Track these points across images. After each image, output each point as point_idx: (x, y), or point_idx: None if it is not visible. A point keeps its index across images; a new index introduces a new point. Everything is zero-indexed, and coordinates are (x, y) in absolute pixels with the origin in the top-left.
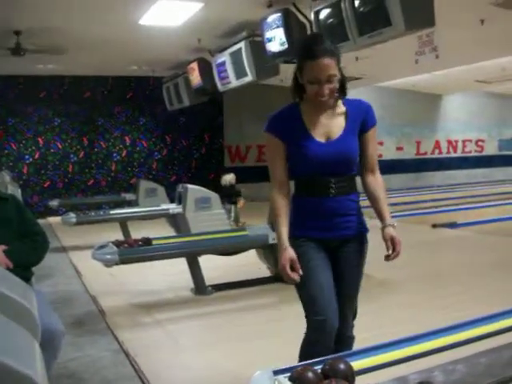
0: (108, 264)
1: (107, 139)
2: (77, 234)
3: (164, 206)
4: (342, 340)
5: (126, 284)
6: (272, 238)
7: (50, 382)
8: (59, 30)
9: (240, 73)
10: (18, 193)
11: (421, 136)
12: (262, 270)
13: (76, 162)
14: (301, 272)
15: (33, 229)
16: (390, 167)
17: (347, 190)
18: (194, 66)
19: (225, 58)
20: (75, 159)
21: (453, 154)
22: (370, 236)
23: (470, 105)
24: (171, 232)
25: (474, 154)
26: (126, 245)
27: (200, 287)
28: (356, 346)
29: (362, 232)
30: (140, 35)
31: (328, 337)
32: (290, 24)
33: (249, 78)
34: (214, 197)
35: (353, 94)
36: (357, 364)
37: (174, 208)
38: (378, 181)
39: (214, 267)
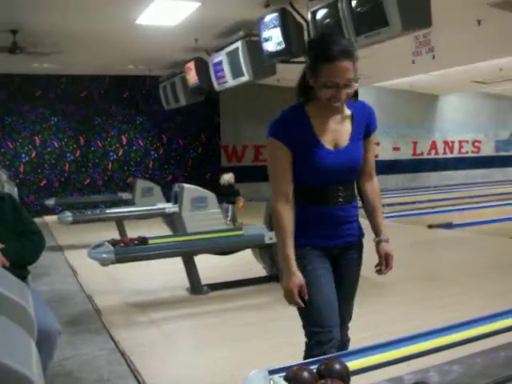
0: (104, 263)
1: (104, 138)
2: (73, 233)
3: (160, 206)
4: (339, 344)
5: (121, 283)
6: (269, 238)
7: (46, 381)
8: (56, 28)
9: (237, 72)
10: (15, 191)
11: (417, 136)
12: (258, 270)
13: (72, 161)
14: (307, 297)
15: (29, 228)
16: (386, 167)
17: (352, 198)
18: (191, 65)
19: (221, 57)
20: (72, 158)
21: (449, 155)
22: (365, 237)
23: (466, 105)
24: (167, 231)
25: (470, 154)
26: (122, 244)
27: (196, 287)
28: (352, 346)
29: (360, 238)
30: (137, 34)
31: (333, 349)
32: (287, 24)
33: (245, 78)
34: (211, 196)
35: None
36: (352, 364)
37: (170, 207)
38: (375, 187)
39: (210, 267)
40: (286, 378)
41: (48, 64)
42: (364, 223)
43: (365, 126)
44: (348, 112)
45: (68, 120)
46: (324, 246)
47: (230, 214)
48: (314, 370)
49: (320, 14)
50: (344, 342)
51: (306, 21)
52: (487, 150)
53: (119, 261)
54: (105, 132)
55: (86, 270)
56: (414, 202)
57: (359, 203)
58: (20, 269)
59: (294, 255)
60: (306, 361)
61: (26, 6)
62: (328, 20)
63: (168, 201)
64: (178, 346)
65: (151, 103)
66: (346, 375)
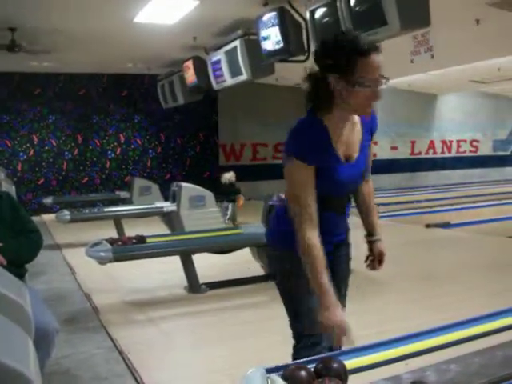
0: (102, 261)
1: (102, 137)
2: (71, 232)
3: (158, 204)
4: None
5: (119, 282)
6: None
7: (44, 379)
8: (54, 27)
9: (235, 71)
10: (13, 190)
11: (415, 136)
12: (256, 269)
13: (70, 159)
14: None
15: (27, 226)
16: (384, 167)
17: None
18: (189, 64)
19: (220, 56)
20: (70, 157)
21: (447, 154)
22: (358, 234)
23: (464, 105)
24: (165, 230)
25: (468, 154)
26: (119, 242)
27: (194, 285)
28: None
29: (348, 234)
30: (135, 33)
31: (325, 350)
32: (286, 23)
33: (244, 77)
34: (209, 195)
35: None
36: (350, 363)
37: (168, 206)
38: (370, 188)
39: (208, 265)
40: (283, 377)
41: (46, 62)
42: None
43: (370, 129)
44: (356, 118)
45: (66, 118)
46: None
47: (229, 213)
48: (312, 369)
49: (318, 12)
50: None
51: (304, 20)
52: (485, 149)
53: (117, 259)
54: (103, 130)
55: (84, 269)
56: (411, 202)
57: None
58: (17, 267)
59: (292, 256)
60: (304, 359)
61: (24, 3)
62: (326, 19)
63: (166, 199)
64: (175, 345)
65: (149, 102)
66: (343, 374)
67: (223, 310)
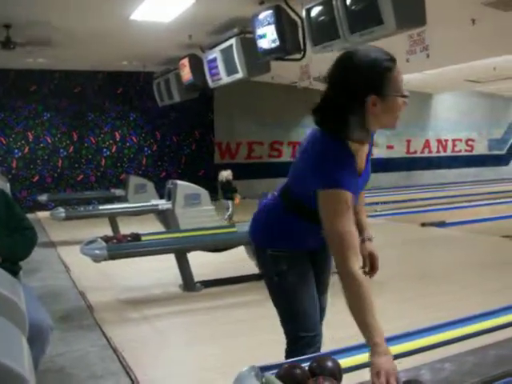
0: (97, 259)
1: (97, 134)
2: (65, 229)
3: (153, 202)
4: None
5: (114, 279)
6: None
7: (38, 377)
8: (50, 24)
9: (231, 69)
10: (7, 187)
11: (411, 135)
12: (250, 267)
13: (65, 156)
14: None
15: (21, 223)
16: (379, 166)
17: None
18: (185, 62)
19: (216, 54)
20: (65, 154)
21: (443, 154)
22: None
23: (460, 104)
24: (160, 228)
25: (463, 153)
26: (114, 240)
27: (188, 283)
28: (343, 344)
29: None
30: (131, 30)
31: (318, 351)
32: (282, 21)
33: (240, 75)
34: (204, 193)
35: None
36: (344, 361)
37: (163, 204)
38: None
39: (203, 264)
40: (277, 376)
41: (41, 59)
42: None
43: (372, 139)
44: None
45: (61, 116)
46: (310, 249)
47: (230, 211)
48: (306, 368)
49: (314, 11)
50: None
51: (300, 18)
52: (480, 148)
53: (112, 257)
54: (98, 128)
55: (79, 266)
56: (407, 201)
57: None
58: (12, 264)
59: (288, 255)
60: (298, 358)
61: (20, 0)
62: (322, 17)
63: (161, 197)
64: (170, 343)
65: (145, 99)
66: (338, 373)
67: (217, 308)
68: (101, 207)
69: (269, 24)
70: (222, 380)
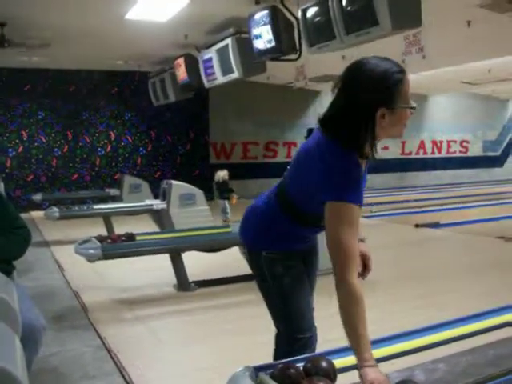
0: (91, 259)
1: (92, 134)
2: (60, 229)
3: (148, 202)
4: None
5: (108, 279)
6: None
7: (31, 377)
8: (45, 22)
9: (226, 69)
10: (1, 186)
11: (406, 136)
12: (245, 268)
13: (60, 156)
14: None
15: (15, 222)
16: (374, 166)
17: None
18: (181, 61)
19: (211, 54)
20: (59, 153)
21: (437, 155)
22: None
23: (455, 106)
24: (155, 228)
25: (458, 154)
26: (109, 240)
27: (183, 283)
28: (338, 344)
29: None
30: (126, 29)
31: (312, 352)
32: (278, 21)
33: (235, 75)
34: (199, 193)
35: None
36: (339, 362)
37: (158, 204)
38: None
39: (198, 264)
40: (272, 376)
41: (36, 58)
42: None
43: None
44: None
45: (56, 115)
46: (302, 249)
47: (228, 211)
48: (301, 368)
49: (310, 11)
50: None
51: (296, 18)
52: (475, 150)
53: (106, 257)
54: (93, 127)
55: (73, 266)
56: (401, 202)
57: None
58: (5, 264)
59: (283, 257)
60: (293, 358)
61: None
62: (318, 18)
63: (156, 197)
64: (164, 343)
65: (140, 99)
66: (332, 373)
67: (212, 308)
68: (95, 207)
69: (264, 24)
70: (216, 380)
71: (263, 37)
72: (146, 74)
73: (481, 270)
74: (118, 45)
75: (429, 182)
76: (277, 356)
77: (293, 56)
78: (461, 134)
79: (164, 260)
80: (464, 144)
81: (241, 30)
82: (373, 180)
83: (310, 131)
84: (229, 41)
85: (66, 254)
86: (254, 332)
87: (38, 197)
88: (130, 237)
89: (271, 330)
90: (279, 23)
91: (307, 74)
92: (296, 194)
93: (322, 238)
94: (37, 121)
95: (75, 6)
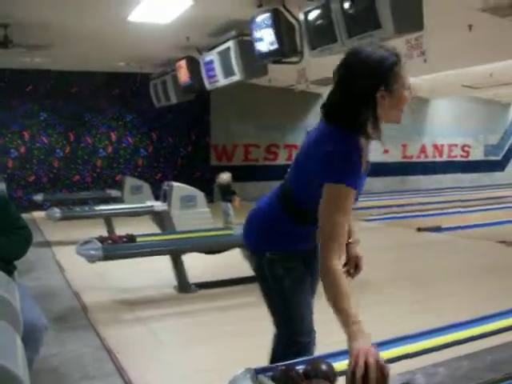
0: (91, 260)
1: (93, 135)
2: (61, 229)
3: (149, 203)
4: None
5: (109, 280)
6: None
7: (31, 377)
8: (47, 24)
9: (228, 72)
10: (3, 186)
11: (407, 139)
12: (246, 270)
13: (62, 157)
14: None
15: (16, 223)
16: (374, 170)
17: None
18: (182, 63)
19: (213, 56)
20: (61, 154)
21: (438, 159)
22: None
23: (456, 109)
24: (155, 229)
25: (459, 158)
26: (110, 241)
27: (184, 285)
28: (337, 347)
29: None
30: (128, 31)
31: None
32: (280, 24)
33: (237, 77)
34: (200, 195)
35: None
36: (338, 365)
37: (158, 205)
38: None
39: (199, 265)
40: (272, 378)
41: (38, 58)
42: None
43: None
44: None
45: (58, 116)
46: (303, 249)
47: (231, 213)
48: (301, 371)
49: (312, 14)
50: None
51: (298, 21)
52: (476, 154)
53: (107, 258)
54: (94, 129)
55: (74, 267)
56: (402, 205)
57: None
58: (6, 264)
59: (284, 259)
60: (293, 361)
61: (18, 0)
62: (320, 21)
63: (157, 199)
64: (164, 344)
65: (141, 101)
66: (332, 376)
67: (213, 310)
68: (96, 208)
69: (267, 27)
70: (217, 382)
71: (265, 39)
72: (147, 76)
73: (480, 274)
74: (120, 47)
75: (430, 186)
76: (273, 357)
77: (294, 59)
78: (462, 137)
79: (165, 261)
80: (465, 148)
81: (243, 33)
82: (373, 184)
83: (307, 133)
84: (231, 43)
85: (66, 254)
86: (254, 334)
87: (39, 197)
88: (131, 238)
89: (271, 332)
90: (281, 26)
91: (309, 76)
92: (297, 192)
93: None
94: (39, 122)
95: (77, 8)
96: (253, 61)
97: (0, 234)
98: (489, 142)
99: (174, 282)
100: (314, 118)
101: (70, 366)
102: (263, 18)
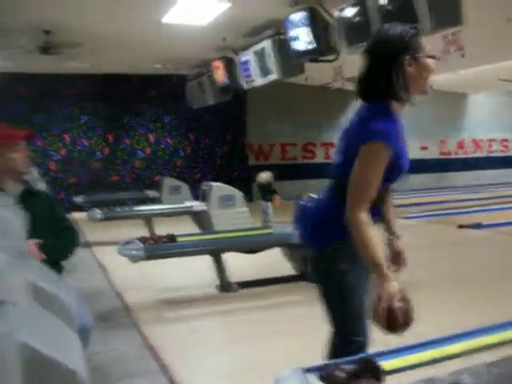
0: (134, 260)
1: (132, 137)
2: (101, 230)
3: (188, 204)
4: None
5: (150, 280)
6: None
7: None
8: (86, 28)
9: (265, 71)
10: (46, 189)
11: (445, 135)
12: (287, 269)
13: (101, 158)
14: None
15: (64, 223)
16: (412, 167)
17: None
18: (219, 64)
19: (249, 56)
20: (100, 156)
21: (478, 154)
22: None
23: (495, 104)
24: (195, 229)
25: (499, 154)
26: (151, 241)
27: (225, 284)
28: (383, 347)
29: None
30: (164, 34)
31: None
32: (316, 23)
33: (274, 77)
34: (238, 195)
35: None
36: (387, 364)
37: (197, 205)
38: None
39: (238, 264)
40: (321, 377)
41: (77, 63)
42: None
43: None
44: None
45: (97, 118)
46: None
47: (270, 212)
48: (350, 370)
49: (348, 12)
50: None
51: (333, 19)
52: None
53: (149, 258)
54: (133, 130)
55: (115, 267)
56: (441, 202)
57: None
58: (55, 264)
59: (348, 253)
60: (341, 360)
61: (57, 6)
62: (356, 18)
63: (195, 199)
64: (206, 343)
65: (178, 102)
66: (380, 375)
67: (254, 309)
68: (136, 208)
69: (302, 26)
70: (259, 381)
71: (301, 38)
72: (183, 77)
73: None
74: (155, 49)
75: (469, 183)
76: (328, 357)
77: (331, 57)
78: (501, 132)
79: (206, 261)
80: (504, 143)
81: (279, 32)
82: (411, 180)
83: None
84: (267, 43)
85: (108, 254)
86: (297, 333)
87: (79, 199)
88: (172, 238)
89: (312, 331)
90: (317, 24)
91: (345, 74)
92: (347, 176)
93: None
94: (79, 125)
95: (115, 12)
96: (289, 60)
97: (48, 235)
98: None
99: (216, 281)
100: (350, 116)
101: (113, 365)
102: (299, 16)
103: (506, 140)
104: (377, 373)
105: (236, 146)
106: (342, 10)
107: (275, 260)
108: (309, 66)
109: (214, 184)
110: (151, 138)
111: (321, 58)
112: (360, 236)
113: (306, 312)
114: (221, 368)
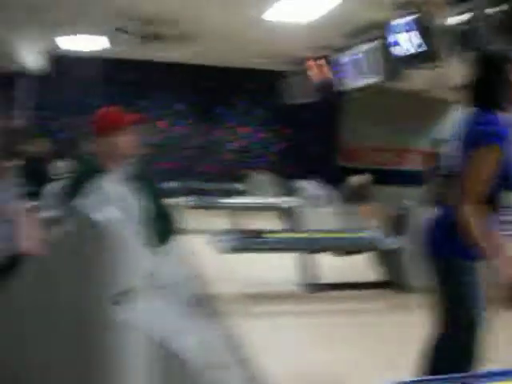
0: (223, 251)
1: (224, 128)
2: (191, 218)
3: (277, 200)
4: None
5: (237, 272)
6: (389, 243)
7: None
8: (190, 20)
9: (364, 73)
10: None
11: None
12: (372, 274)
13: (193, 147)
14: None
15: (166, 210)
16: None
17: None
18: (317, 63)
19: (349, 57)
20: (192, 145)
21: None
22: None
23: None
24: (282, 226)
25: None
26: (241, 234)
27: (312, 285)
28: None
29: None
30: (264, 30)
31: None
32: (419, 29)
33: (373, 80)
34: (329, 194)
35: None
36: None
37: (287, 202)
38: None
39: (327, 266)
40: None
41: (176, 53)
42: None
43: None
44: None
45: (191, 108)
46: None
47: (358, 216)
48: None
49: (453, 20)
50: None
51: (439, 26)
52: None
53: (237, 250)
54: (225, 122)
55: (204, 256)
56: None
57: None
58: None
59: (474, 267)
60: (449, 376)
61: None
62: (462, 27)
63: (284, 195)
64: (290, 341)
65: (273, 97)
66: None
67: (338, 312)
68: (226, 200)
69: (406, 31)
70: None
71: (404, 43)
72: (279, 73)
73: None
74: (255, 44)
75: None
76: (434, 357)
77: (432, 64)
78: None
79: (293, 259)
80: None
81: (382, 35)
82: None
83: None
84: (369, 45)
85: (197, 243)
86: (382, 340)
87: (173, 185)
88: (260, 233)
89: (402, 340)
90: (421, 30)
91: (445, 82)
92: None
93: None
94: (174, 112)
95: (216, 4)
96: (390, 64)
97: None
98: None
99: (303, 280)
100: (445, 125)
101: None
102: (404, 21)
103: None
104: None
105: (330, 145)
106: (448, 17)
107: (361, 264)
108: (408, 72)
109: (305, 182)
110: (243, 130)
111: (421, 65)
112: (465, 226)
113: (392, 320)
114: (300, 368)
